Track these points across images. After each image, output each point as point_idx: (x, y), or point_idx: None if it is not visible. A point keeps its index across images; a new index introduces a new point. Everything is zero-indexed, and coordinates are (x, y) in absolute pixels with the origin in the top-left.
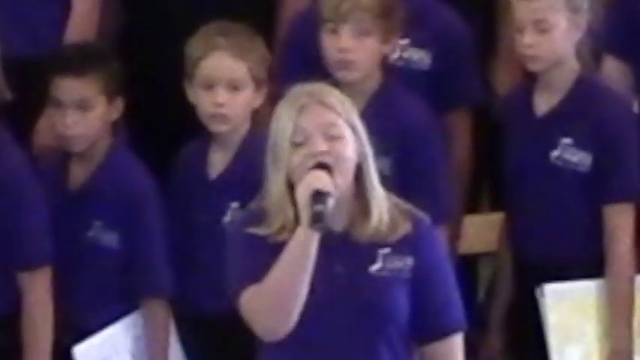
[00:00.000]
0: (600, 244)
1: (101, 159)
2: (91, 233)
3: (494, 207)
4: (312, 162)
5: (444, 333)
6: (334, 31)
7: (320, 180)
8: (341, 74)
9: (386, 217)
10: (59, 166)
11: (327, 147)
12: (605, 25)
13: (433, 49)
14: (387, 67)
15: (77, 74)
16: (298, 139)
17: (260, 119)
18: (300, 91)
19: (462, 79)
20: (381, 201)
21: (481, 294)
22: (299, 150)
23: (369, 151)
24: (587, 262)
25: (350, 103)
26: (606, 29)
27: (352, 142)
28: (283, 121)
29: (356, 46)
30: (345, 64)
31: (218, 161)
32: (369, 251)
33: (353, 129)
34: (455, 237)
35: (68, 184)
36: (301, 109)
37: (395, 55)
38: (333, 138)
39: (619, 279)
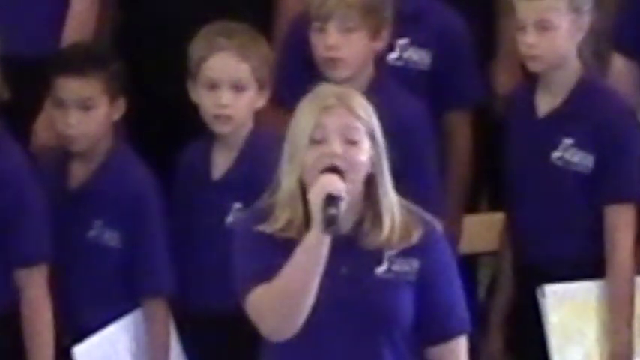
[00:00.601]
0: (601, 245)
1: (102, 159)
2: (91, 233)
3: (494, 207)
4: (325, 162)
5: (449, 335)
6: (321, 30)
7: (334, 184)
8: (330, 73)
9: (398, 225)
10: (59, 165)
11: (342, 150)
12: (615, 24)
13: (433, 49)
14: (385, 66)
15: (79, 74)
16: (317, 136)
17: (262, 119)
18: (327, 90)
19: (462, 79)
20: (394, 209)
21: (481, 294)
22: (315, 148)
23: (384, 158)
24: (588, 263)
25: (372, 109)
26: (615, 28)
27: (368, 149)
28: (305, 116)
29: (343, 43)
30: (334, 62)
31: (221, 162)
32: (375, 253)
33: (371, 136)
34: (455, 237)
35: (68, 184)
36: (325, 109)
37: (394, 55)
38: (350, 142)
39: (619, 280)
